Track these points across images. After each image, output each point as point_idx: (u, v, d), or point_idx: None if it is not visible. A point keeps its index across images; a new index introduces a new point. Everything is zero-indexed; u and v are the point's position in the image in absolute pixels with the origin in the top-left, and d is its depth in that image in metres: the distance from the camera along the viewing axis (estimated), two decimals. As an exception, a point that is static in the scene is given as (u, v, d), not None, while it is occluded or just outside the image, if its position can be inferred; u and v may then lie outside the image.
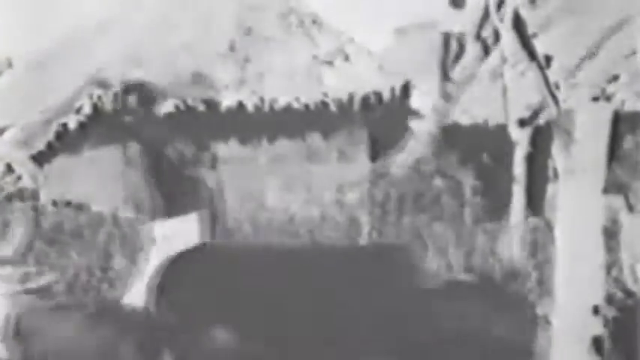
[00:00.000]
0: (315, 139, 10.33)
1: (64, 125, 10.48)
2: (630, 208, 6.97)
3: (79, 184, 10.44)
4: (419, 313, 8.11)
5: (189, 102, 10.37)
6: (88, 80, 10.47)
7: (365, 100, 10.32)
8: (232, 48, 10.66)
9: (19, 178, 10.26)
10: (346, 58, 10.55)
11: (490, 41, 9.52)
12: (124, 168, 10.22)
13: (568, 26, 8.56)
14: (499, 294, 8.30)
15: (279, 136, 10.36)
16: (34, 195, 10.24)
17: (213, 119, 10.38)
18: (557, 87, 8.73)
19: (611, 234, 6.88)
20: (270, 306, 7.72)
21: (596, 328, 6.46)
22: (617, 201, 7.23)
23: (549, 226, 8.12)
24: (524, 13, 9.08)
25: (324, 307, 7.77)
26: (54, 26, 10.66)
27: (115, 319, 7.73)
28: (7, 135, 10.27)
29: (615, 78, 8.27)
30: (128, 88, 3.97)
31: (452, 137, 9.95)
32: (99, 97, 10.36)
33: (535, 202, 8.94)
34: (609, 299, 6.91)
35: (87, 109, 10.42)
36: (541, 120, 8.90)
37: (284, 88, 10.48)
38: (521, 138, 9.01)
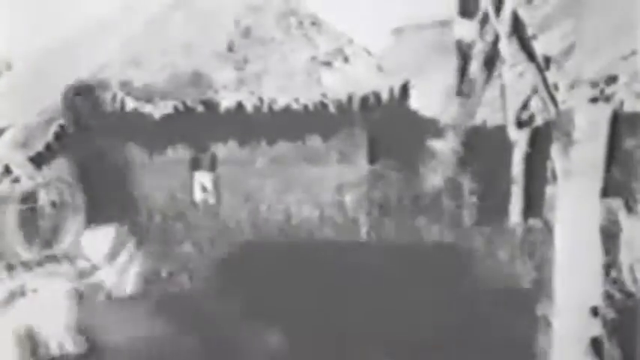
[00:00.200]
0: (314, 140, 10.34)
1: (63, 127, 10.49)
2: (629, 209, 6.98)
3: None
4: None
5: (189, 103, 10.39)
6: (87, 81, 10.49)
7: (364, 100, 10.33)
8: (231, 49, 10.67)
9: (17, 179, 10.27)
10: (345, 59, 10.55)
11: (492, 43, 9.57)
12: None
13: (567, 27, 8.58)
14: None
15: (278, 137, 10.38)
16: (33, 196, 10.25)
17: (212, 120, 10.41)
18: (556, 88, 8.75)
19: (610, 235, 6.88)
20: (317, 304, 7.64)
21: (595, 329, 6.47)
22: (616, 202, 7.24)
23: (548, 227, 8.14)
24: (523, 14, 9.11)
25: (376, 306, 7.68)
26: (53, 27, 10.67)
27: (177, 310, 7.66)
28: (5, 136, 10.28)
29: (614, 79, 8.28)
30: (78, 90, 3.91)
31: (440, 133, 9.98)
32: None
33: (534, 203, 8.97)
34: (608, 300, 6.92)
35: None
36: (539, 121, 8.93)
37: (283, 88, 10.48)
38: (519, 139, 9.03)
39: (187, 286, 7.89)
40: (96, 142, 10.44)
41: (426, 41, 10.06)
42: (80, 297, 3.54)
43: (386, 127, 10.12)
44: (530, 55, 8.89)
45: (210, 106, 10.41)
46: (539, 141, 8.58)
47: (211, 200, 10.10)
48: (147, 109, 10.29)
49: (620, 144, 7.32)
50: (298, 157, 10.27)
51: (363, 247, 8.61)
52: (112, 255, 6.87)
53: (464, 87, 9.44)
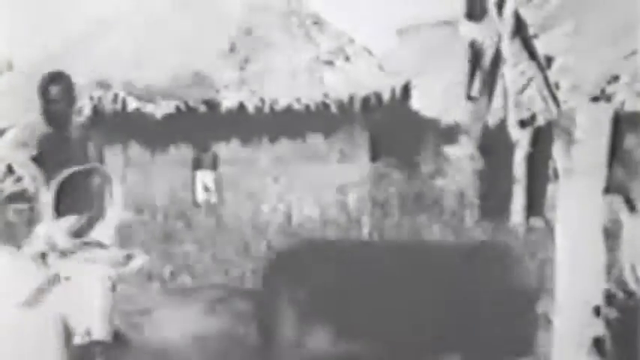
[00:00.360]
0: (315, 139, 10.35)
1: (64, 126, 10.49)
2: (631, 208, 6.97)
3: (80, 185, 10.46)
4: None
5: (190, 103, 10.40)
6: (88, 81, 10.49)
7: (366, 100, 10.34)
8: (233, 49, 10.68)
9: (20, 179, 10.26)
10: (347, 58, 10.57)
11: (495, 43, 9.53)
12: (124, 168, 10.24)
13: (569, 26, 8.56)
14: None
15: (279, 136, 10.39)
16: (35, 197, 10.25)
17: (214, 120, 10.41)
18: (558, 87, 8.73)
19: (611, 234, 6.87)
20: (371, 303, 7.55)
21: (597, 328, 6.46)
22: (618, 201, 7.24)
23: (549, 226, 8.14)
24: (525, 14, 9.10)
25: (430, 305, 7.61)
26: (54, 27, 10.68)
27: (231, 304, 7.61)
28: (7, 136, 10.27)
29: (615, 78, 8.26)
30: (52, 78, 3.85)
31: (451, 137, 9.99)
32: (99, 98, 10.38)
33: (535, 202, 8.98)
34: (610, 299, 6.91)
35: (87, 110, 10.43)
36: (541, 120, 8.91)
37: (285, 88, 10.49)
38: (521, 138, 9.03)
39: (234, 282, 7.93)
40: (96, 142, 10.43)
41: (428, 42, 10.08)
42: (114, 285, 3.56)
43: (387, 126, 10.13)
44: (532, 55, 8.88)
45: (212, 105, 10.42)
46: (541, 140, 8.58)
47: (213, 199, 10.11)
48: (149, 108, 10.30)
49: (622, 143, 7.32)
50: (300, 156, 10.29)
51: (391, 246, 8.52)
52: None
53: (473, 89, 9.40)
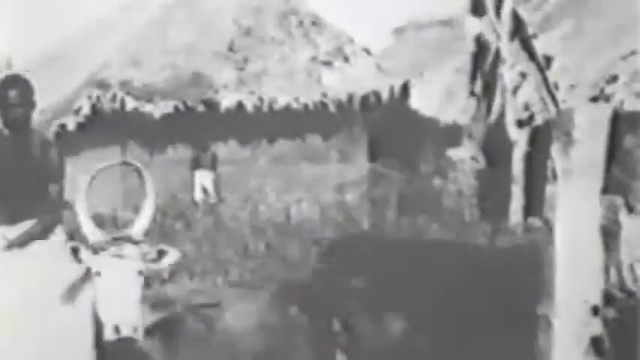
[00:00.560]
0: (314, 139, 10.35)
1: (63, 126, 10.50)
2: (630, 209, 6.98)
3: (78, 185, 10.45)
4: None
5: (189, 102, 10.40)
6: (86, 80, 10.50)
7: (364, 100, 10.33)
8: (231, 48, 10.69)
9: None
10: (346, 58, 10.57)
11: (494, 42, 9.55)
12: (123, 169, 10.24)
13: (568, 27, 8.58)
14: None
15: (278, 136, 10.38)
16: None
17: (213, 119, 10.41)
18: (557, 87, 8.74)
19: (610, 234, 6.88)
20: (440, 295, 7.50)
21: (596, 328, 6.47)
22: (617, 201, 7.25)
23: (548, 226, 8.13)
24: (524, 14, 9.11)
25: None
26: (54, 27, 10.69)
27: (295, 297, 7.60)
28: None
29: (614, 78, 8.28)
30: (9, 81, 3.76)
31: (450, 137, 9.98)
32: (97, 98, 10.38)
33: (534, 202, 8.97)
34: (609, 299, 6.91)
35: (86, 110, 10.44)
36: (539, 120, 8.92)
37: (283, 88, 10.49)
38: (520, 138, 9.03)
39: (247, 277, 7.94)
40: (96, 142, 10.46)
41: (427, 41, 10.08)
42: (145, 281, 3.56)
43: (386, 126, 10.13)
44: (531, 55, 8.89)
45: (211, 105, 10.43)
46: (540, 140, 8.58)
47: (212, 199, 10.11)
48: (147, 108, 10.30)
49: (621, 143, 7.32)
50: (298, 156, 10.28)
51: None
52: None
53: (476, 85, 9.40)
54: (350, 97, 10.29)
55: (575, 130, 7.60)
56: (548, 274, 6.75)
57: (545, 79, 8.87)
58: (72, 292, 3.52)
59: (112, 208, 10.22)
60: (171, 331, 5.86)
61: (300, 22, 10.79)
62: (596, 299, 6.44)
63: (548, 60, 9.10)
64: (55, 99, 10.51)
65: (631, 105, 7.67)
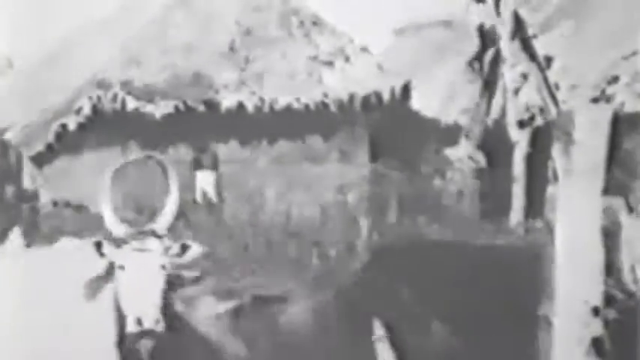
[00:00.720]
0: (315, 139, 10.34)
1: (64, 126, 10.49)
2: (630, 209, 6.98)
3: (79, 185, 10.45)
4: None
5: (189, 103, 10.39)
6: (87, 80, 10.49)
7: (365, 100, 10.32)
8: (232, 48, 10.67)
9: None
10: (346, 58, 10.55)
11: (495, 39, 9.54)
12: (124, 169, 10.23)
13: (569, 27, 8.57)
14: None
15: (279, 136, 10.38)
16: (34, 196, 10.27)
17: (213, 120, 10.41)
18: (557, 88, 8.75)
19: (610, 235, 6.88)
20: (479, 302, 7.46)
21: (597, 329, 6.47)
22: (617, 202, 7.25)
23: (549, 227, 8.14)
24: (524, 14, 9.10)
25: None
26: (54, 27, 10.68)
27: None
28: (7, 136, 10.29)
29: (615, 79, 8.28)
30: None
31: (452, 137, 9.98)
32: (98, 98, 10.38)
33: (535, 202, 8.97)
34: (609, 300, 6.92)
35: (86, 110, 10.44)
36: (540, 121, 8.92)
37: (284, 88, 10.48)
38: (520, 139, 9.03)
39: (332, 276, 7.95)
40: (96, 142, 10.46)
41: (428, 42, 10.06)
42: (167, 275, 3.57)
43: (387, 126, 10.12)
44: (532, 55, 8.89)
45: (212, 105, 10.41)
46: (540, 141, 8.59)
47: (213, 200, 10.11)
48: (148, 108, 10.29)
49: (621, 144, 7.32)
50: (299, 156, 10.27)
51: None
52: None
53: (484, 73, 9.34)
54: (351, 98, 10.30)
55: (575, 131, 7.61)
56: (549, 274, 6.75)
57: (545, 80, 8.87)
58: (93, 287, 3.53)
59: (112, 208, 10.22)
60: (239, 321, 5.87)
61: (301, 22, 10.78)
62: (597, 300, 6.43)
63: (549, 60, 9.10)
64: (55, 99, 10.50)
65: (632, 106, 7.67)
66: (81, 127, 10.64)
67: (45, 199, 10.32)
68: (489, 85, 9.38)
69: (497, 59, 9.23)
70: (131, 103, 10.27)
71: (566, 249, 6.69)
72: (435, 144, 9.88)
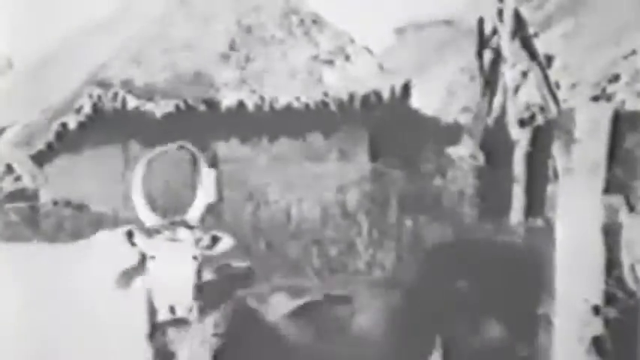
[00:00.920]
0: (315, 138, 10.34)
1: (64, 125, 10.49)
2: (631, 208, 6.97)
3: (79, 184, 10.45)
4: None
5: (190, 101, 10.39)
6: (87, 80, 10.49)
7: (365, 99, 10.32)
8: (232, 47, 10.67)
9: (19, 178, 10.28)
10: (347, 57, 10.55)
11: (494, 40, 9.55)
12: (124, 168, 10.24)
13: (569, 26, 8.57)
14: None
15: (279, 135, 10.38)
16: (34, 195, 10.27)
17: (213, 118, 10.41)
18: (558, 87, 8.74)
19: (611, 233, 6.88)
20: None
21: (597, 328, 6.46)
22: (618, 201, 7.24)
23: (549, 226, 8.14)
24: (525, 13, 9.10)
25: None
26: (55, 26, 10.67)
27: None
28: (7, 135, 10.28)
29: (616, 78, 8.27)
30: None
31: (452, 136, 9.98)
32: (99, 97, 10.38)
33: (535, 201, 8.97)
34: (610, 299, 6.91)
35: (87, 109, 10.44)
36: (540, 120, 8.92)
37: (284, 87, 10.47)
38: (521, 137, 9.03)
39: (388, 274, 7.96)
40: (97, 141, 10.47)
41: (428, 41, 10.06)
42: (199, 266, 3.59)
43: (387, 126, 10.12)
44: (532, 54, 8.89)
45: (212, 104, 10.41)
46: (541, 140, 8.58)
47: (213, 198, 10.10)
48: (148, 107, 10.30)
49: (622, 143, 7.32)
50: (299, 155, 10.27)
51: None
52: None
53: (484, 71, 9.33)
54: (351, 97, 10.30)
55: (576, 130, 7.61)
56: (549, 273, 6.75)
57: (546, 79, 8.86)
58: (127, 276, 3.54)
59: (112, 207, 10.22)
60: (310, 318, 5.89)
61: (301, 21, 10.77)
62: (597, 299, 6.43)
63: (549, 59, 9.10)
64: (56, 98, 10.50)
65: (632, 104, 7.67)
66: (81, 126, 10.64)
67: (45, 198, 10.32)
68: (490, 84, 9.38)
69: (497, 58, 9.24)
70: (132, 102, 10.27)
71: (567, 248, 6.69)
72: (435, 143, 9.88)
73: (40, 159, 10.65)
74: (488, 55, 9.44)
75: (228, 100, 10.42)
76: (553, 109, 8.40)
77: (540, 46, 8.74)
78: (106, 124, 10.43)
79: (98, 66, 10.47)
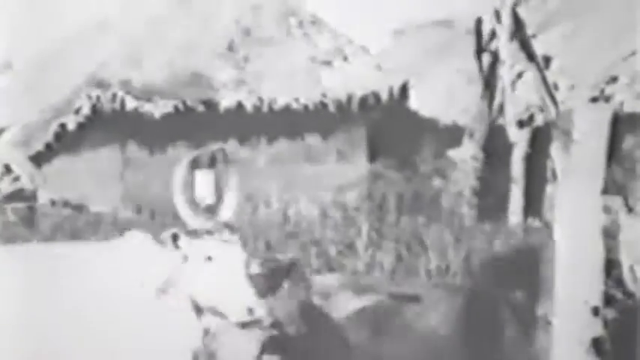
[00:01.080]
0: (313, 139, 10.34)
1: (63, 126, 10.49)
2: (629, 209, 6.99)
3: (78, 185, 10.45)
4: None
5: (189, 102, 10.39)
6: (86, 80, 10.49)
7: (363, 100, 10.33)
8: (231, 48, 10.67)
9: (18, 178, 10.28)
10: (345, 58, 10.56)
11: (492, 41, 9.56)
12: (122, 168, 10.24)
13: (568, 27, 8.58)
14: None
15: (277, 136, 10.38)
16: (33, 195, 10.27)
17: (212, 119, 10.41)
18: (557, 88, 8.75)
19: (610, 234, 6.88)
20: None
21: (596, 329, 6.47)
22: (616, 202, 7.25)
23: (548, 227, 8.14)
24: (523, 14, 9.11)
25: None
26: (54, 26, 10.67)
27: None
28: (5, 135, 10.29)
29: (614, 79, 8.29)
30: None
31: (450, 137, 9.98)
32: (97, 98, 10.38)
33: (533, 202, 8.98)
34: (609, 300, 6.92)
35: (86, 110, 10.44)
36: (539, 121, 8.93)
37: (283, 88, 10.47)
38: (519, 138, 9.04)
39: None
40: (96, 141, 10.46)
41: (426, 42, 10.06)
42: (262, 259, 3.61)
43: (385, 126, 10.12)
44: (530, 55, 8.90)
45: (210, 105, 10.41)
46: (540, 141, 8.59)
47: (212, 199, 10.10)
48: (147, 108, 10.30)
49: (621, 144, 7.33)
50: (298, 156, 10.27)
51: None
52: None
53: (486, 82, 9.34)
54: (349, 98, 10.30)
55: (574, 131, 7.61)
56: (548, 274, 6.75)
57: (544, 80, 8.87)
58: (170, 278, 3.53)
59: (110, 208, 10.22)
60: (376, 318, 5.90)
61: (300, 22, 10.77)
62: (597, 300, 6.43)
63: (548, 60, 9.11)
64: (54, 99, 10.51)
65: (631, 106, 7.69)
66: (80, 126, 10.64)
67: (44, 198, 10.32)
68: (489, 86, 9.39)
69: (496, 59, 9.25)
70: (130, 103, 10.27)
71: (566, 249, 6.69)
72: (433, 144, 9.89)
73: (39, 159, 10.65)
74: (486, 57, 9.46)
75: (226, 100, 10.41)
76: (552, 111, 8.42)
77: (539, 47, 8.76)
78: (105, 125, 10.43)
79: (97, 66, 10.47)
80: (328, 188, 10.00)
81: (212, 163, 10.43)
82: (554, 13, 8.55)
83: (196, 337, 3.80)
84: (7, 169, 10.30)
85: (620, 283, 6.46)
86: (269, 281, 4.54)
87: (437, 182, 9.57)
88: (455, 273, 8.78)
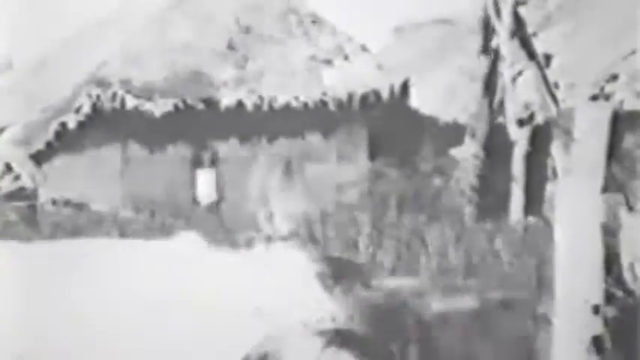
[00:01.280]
0: (314, 138, 10.34)
1: (63, 124, 10.50)
2: (629, 207, 6.99)
3: (79, 183, 10.46)
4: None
5: (189, 101, 10.39)
6: (87, 79, 10.49)
7: (364, 99, 10.32)
8: (231, 47, 10.67)
9: (18, 177, 10.28)
10: (345, 57, 10.55)
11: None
12: (123, 167, 10.24)
13: (568, 26, 8.57)
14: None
15: (278, 135, 10.38)
16: (33, 194, 10.27)
17: (213, 118, 10.41)
18: (557, 86, 8.75)
19: (610, 233, 6.89)
20: None
21: (597, 327, 6.48)
22: (617, 200, 7.25)
23: (548, 225, 8.14)
24: (524, 12, 9.10)
25: None
26: (54, 26, 10.68)
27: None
28: (6, 134, 10.29)
29: (614, 77, 8.28)
30: None
31: (450, 135, 9.97)
32: (98, 97, 10.38)
33: (534, 201, 8.97)
34: (609, 298, 6.93)
35: (86, 109, 10.44)
36: (539, 119, 8.92)
37: (283, 86, 10.47)
38: (520, 137, 9.03)
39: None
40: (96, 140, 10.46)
41: (427, 40, 10.06)
42: (324, 277, 3.64)
43: (386, 125, 10.12)
44: (531, 54, 8.89)
45: (211, 104, 10.41)
46: (540, 139, 8.58)
47: (212, 198, 10.12)
48: (147, 107, 10.30)
49: (620, 142, 7.33)
50: (299, 154, 10.27)
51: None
52: None
53: (490, 82, 9.33)
54: (350, 96, 10.30)
55: (575, 129, 7.61)
56: (548, 272, 6.76)
57: (545, 78, 8.87)
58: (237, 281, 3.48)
59: (111, 206, 10.23)
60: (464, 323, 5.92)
61: (300, 21, 10.78)
62: (597, 298, 6.43)
63: (548, 58, 9.10)
64: (55, 98, 10.51)
65: (631, 104, 7.69)
66: (81, 125, 10.64)
67: (44, 197, 10.32)
68: (490, 84, 9.39)
69: (496, 58, 9.25)
70: (130, 102, 10.28)
71: (566, 247, 6.69)
72: (434, 142, 9.89)
73: (40, 158, 10.66)
74: (487, 56, 9.46)
75: (227, 99, 10.41)
76: (552, 109, 8.41)
77: (539, 45, 8.75)
78: (105, 124, 10.43)
79: (97, 65, 10.47)
80: (329, 187, 10.00)
81: (213, 162, 10.46)
82: (554, 11, 8.55)
83: (252, 339, 3.83)
84: (8, 167, 10.30)
85: (620, 281, 6.47)
86: (335, 281, 4.56)
87: (437, 181, 9.57)
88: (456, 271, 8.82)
